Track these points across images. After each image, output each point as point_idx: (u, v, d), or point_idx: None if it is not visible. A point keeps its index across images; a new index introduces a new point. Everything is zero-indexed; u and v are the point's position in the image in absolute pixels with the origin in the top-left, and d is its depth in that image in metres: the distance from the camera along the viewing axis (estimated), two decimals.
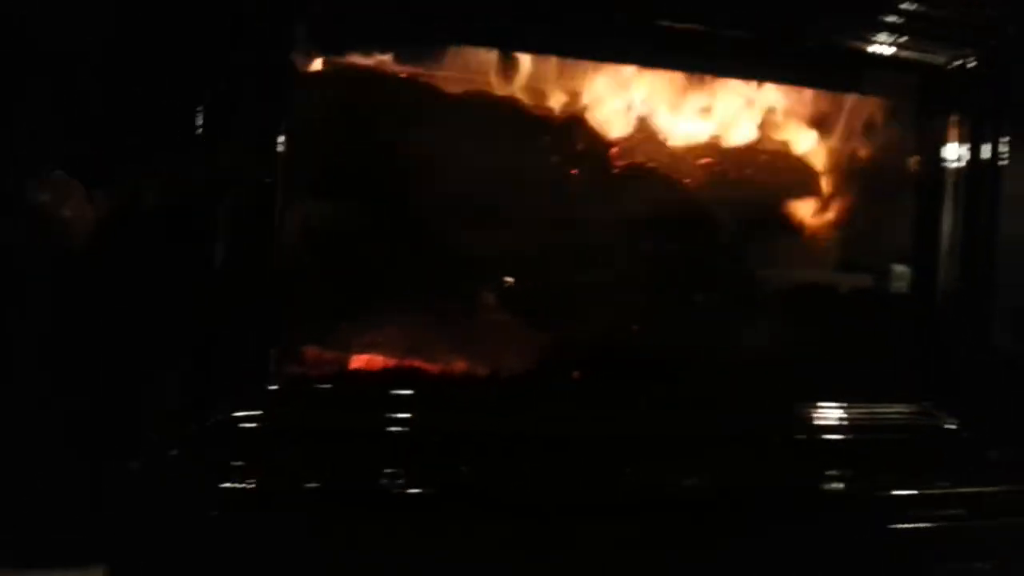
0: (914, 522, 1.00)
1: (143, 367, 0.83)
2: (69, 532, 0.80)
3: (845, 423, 1.06)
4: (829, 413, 1.07)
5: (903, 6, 1.05)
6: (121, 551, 0.78)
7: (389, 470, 0.88)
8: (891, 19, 1.05)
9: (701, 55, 1.07)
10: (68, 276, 0.78)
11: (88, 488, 0.80)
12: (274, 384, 0.93)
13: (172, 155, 0.83)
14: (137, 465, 0.79)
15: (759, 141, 1.17)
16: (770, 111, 1.16)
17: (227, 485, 0.84)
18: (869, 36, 1.06)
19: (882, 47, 1.06)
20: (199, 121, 0.86)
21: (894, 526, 0.99)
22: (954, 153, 1.12)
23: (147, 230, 0.81)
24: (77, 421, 0.80)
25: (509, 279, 1.10)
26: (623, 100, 1.14)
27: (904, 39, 1.07)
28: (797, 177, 1.20)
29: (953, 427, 1.09)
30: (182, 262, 0.85)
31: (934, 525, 1.00)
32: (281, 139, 0.91)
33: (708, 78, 1.13)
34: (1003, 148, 1.12)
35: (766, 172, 1.17)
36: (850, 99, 1.17)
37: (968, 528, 1.01)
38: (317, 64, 1.04)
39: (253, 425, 0.89)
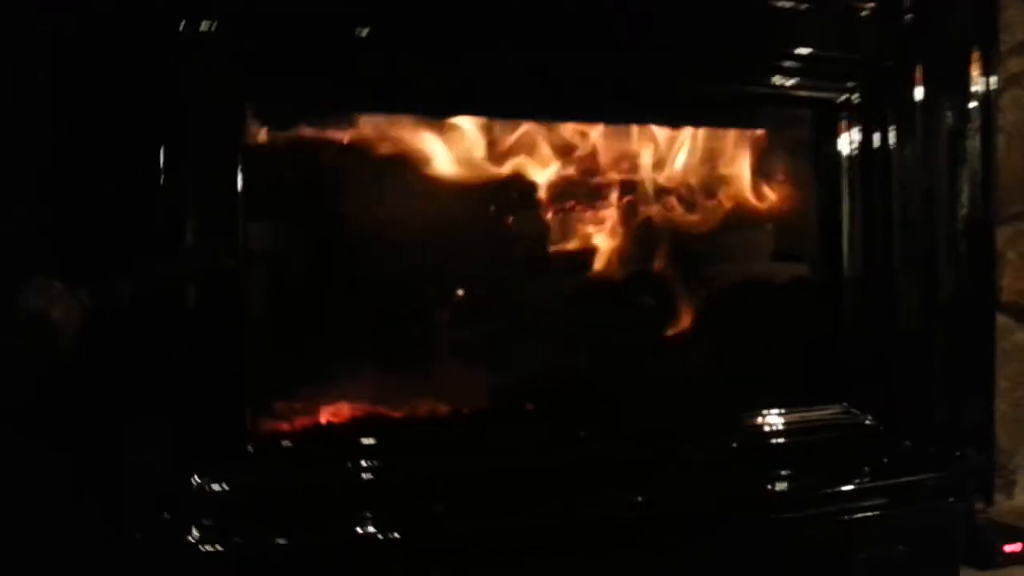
0: (842, 514, 1.11)
1: (133, 440, 0.91)
2: None
3: (770, 428, 1.18)
4: (752, 420, 1.18)
5: (799, 51, 1.18)
6: None
7: (366, 515, 0.96)
8: (788, 64, 1.18)
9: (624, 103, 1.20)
10: (61, 365, 0.85)
11: (87, 555, 0.87)
12: (250, 443, 1.01)
13: (142, 252, 0.91)
14: (139, 534, 0.86)
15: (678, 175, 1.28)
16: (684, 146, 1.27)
17: (212, 548, 0.91)
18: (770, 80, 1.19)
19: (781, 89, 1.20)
20: (163, 217, 0.93)
21: (823, 519, 1.10)
22: (847, 162, 1.26)
23: (127, 319, 0.89)
24: (76, 493, 0.88)
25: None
26: (548, 151, 1.24)
27: (799, 80, 1.19)
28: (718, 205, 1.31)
29: (869, 423, 1.21)
30: (161, 341, 0.93)
31: (860, 516, 1.12)
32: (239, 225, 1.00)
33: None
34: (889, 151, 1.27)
35: (687, 204, 1.28)
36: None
37: (890, 516, 1.13)
38: (263, 138, 1.12)
39: (231, 486, 0.96)
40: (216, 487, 0.95)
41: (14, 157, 0.92)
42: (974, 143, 1.42)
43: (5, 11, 0.94)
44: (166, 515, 0.92)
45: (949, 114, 1.35)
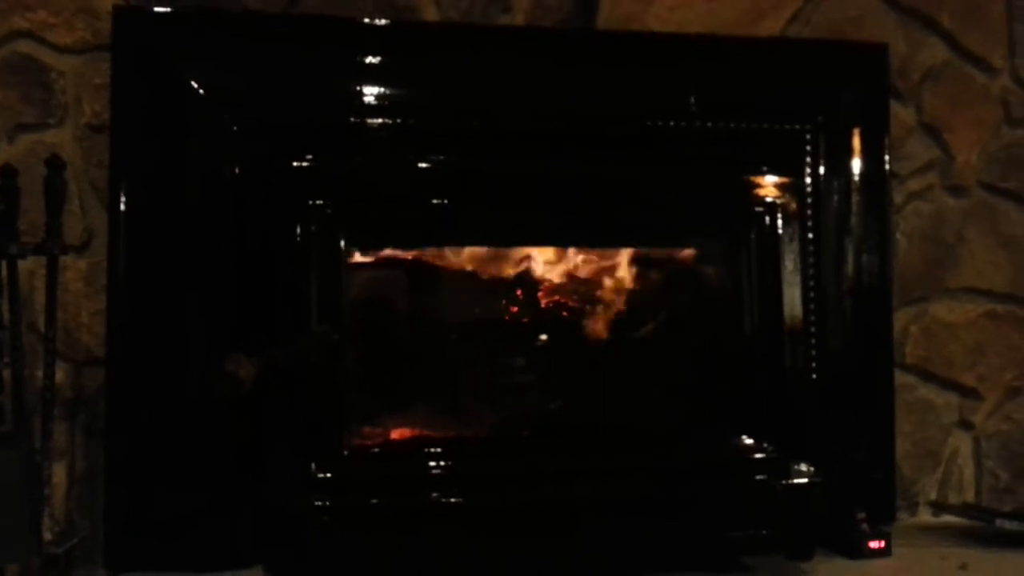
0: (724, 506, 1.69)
1: (278, 447, 1.58)
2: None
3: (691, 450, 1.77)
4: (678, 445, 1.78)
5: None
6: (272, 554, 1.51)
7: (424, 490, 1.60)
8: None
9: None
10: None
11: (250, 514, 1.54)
12: (345, 450, 1.66)
13: (284, 334, 1.58)
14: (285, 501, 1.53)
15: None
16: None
17: (324, 504, 1.56)
18: None
19: None
20: (295, 314, 1.61)
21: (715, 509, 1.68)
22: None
23: (278, 377, 1.56)
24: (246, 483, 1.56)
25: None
26: (546, 263, 1.87)
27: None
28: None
29: (754, 445, 1.78)
30: (296, 387, 1.60)
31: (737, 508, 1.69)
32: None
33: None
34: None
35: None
36: None
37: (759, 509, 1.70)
38: (356, 257, 1.79)
39: (334, 475, 1.61)
40: (324, 475, 1.60)
41: (221, 293, 1.63)
42: (867, 240, 1.99)
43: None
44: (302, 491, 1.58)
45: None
